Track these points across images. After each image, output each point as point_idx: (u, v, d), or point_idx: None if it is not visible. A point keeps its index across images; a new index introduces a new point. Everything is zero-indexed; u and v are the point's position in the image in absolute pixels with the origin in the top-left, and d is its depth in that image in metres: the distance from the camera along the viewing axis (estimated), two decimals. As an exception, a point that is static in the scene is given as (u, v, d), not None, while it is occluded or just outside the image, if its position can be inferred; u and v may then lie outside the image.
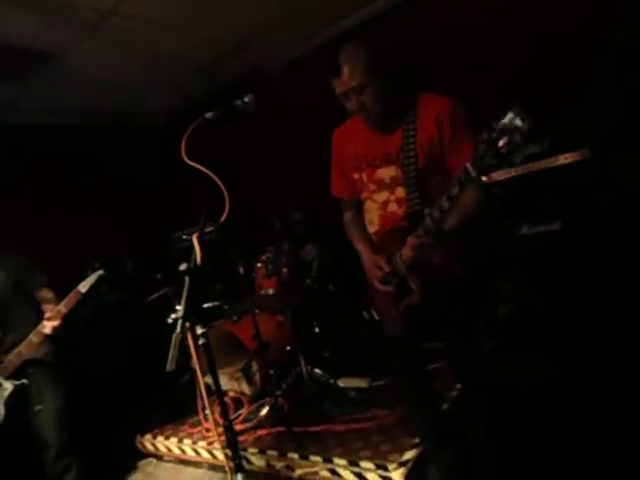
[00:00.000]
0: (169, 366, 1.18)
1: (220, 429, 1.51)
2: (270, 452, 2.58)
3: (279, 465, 2.51)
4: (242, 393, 3.21)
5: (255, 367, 3.12)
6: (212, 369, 1.33)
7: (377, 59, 1.64)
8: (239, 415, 2.98)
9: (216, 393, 1.42)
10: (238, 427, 2.82)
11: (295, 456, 2.48)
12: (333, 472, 2.32)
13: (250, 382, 3.20)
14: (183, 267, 1.29)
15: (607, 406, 2.10)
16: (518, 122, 1.23)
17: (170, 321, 1.23)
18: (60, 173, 4.31)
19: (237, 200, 1.58)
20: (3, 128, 3.94)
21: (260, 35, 3.60)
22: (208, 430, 2.96)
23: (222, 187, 1.46)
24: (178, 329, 1.21)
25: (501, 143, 1.25)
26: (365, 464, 2.23)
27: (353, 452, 2.35)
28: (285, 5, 3.25)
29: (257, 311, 3.24)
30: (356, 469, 2.25)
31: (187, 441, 2.96)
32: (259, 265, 3.46)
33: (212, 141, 1.62)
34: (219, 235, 2.64)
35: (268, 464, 2.55)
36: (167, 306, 3.34)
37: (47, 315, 2.37)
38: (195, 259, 1.32)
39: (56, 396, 2.50)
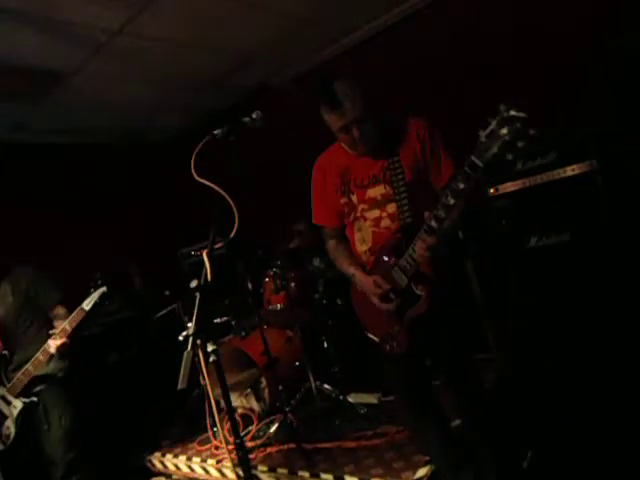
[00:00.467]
0: (180, 384, 1.17)
1: (230, 446, 1.50)
2: (280, 470, 2.55)
3: (289, 483, 2.48)
4: (251, 409, 3.18)
5: (264, 383, 3.10)
6: (223, 386, 1.32)
7: (370, 93, 1.72)
8: (248, 432, 2.95)
9: (227, 410, 1.41)
10: (247, 444, 2.80)
11: (306, 474, 2.45)
12: (345, 490, 2.28)
13: (259, 398, 3.17)
14: (194, 284, 1.29)
15: (617, 421, 2.06)
16: (514, 112, 1.29)
17: (181, 339, 1.23)
18: (71, 191, 4.36)
19: (245, 215, 1.59)
20: (16, 147, 4.00)
21: (265, 50, 3.65)
22: (217, 448, 2.93)
23: (231, 203, 1.46)
24: (189, 347, 1.20)
25: (503, 131, 1.30)
26: (377, 482, 2.19)
27: (365, 470, 2.31)
28: (290, 20, 3.30)
29: (265, 326, 3.23)
30: (368, 487, 2.21)
31: (196, 459, 2.93)
32: (267, 280, 3.45)
33: (220, 157, 1.62)
34: (227, 251, 2.65)
35: (278, 482, 2.52)
36: (176, 322, 3.36)
37: (52, 333, 2.38)
38: (205, 275, 1.32)
39: (64, 415, 2.49)
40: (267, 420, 3.00)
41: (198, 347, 1.23)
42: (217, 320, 3.49)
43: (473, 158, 1.38)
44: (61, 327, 2.37)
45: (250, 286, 3.09)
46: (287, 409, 2.89)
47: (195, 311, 1.25)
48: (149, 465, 3.20)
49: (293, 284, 3.33)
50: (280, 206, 3.97)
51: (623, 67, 2.84)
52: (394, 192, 1.77)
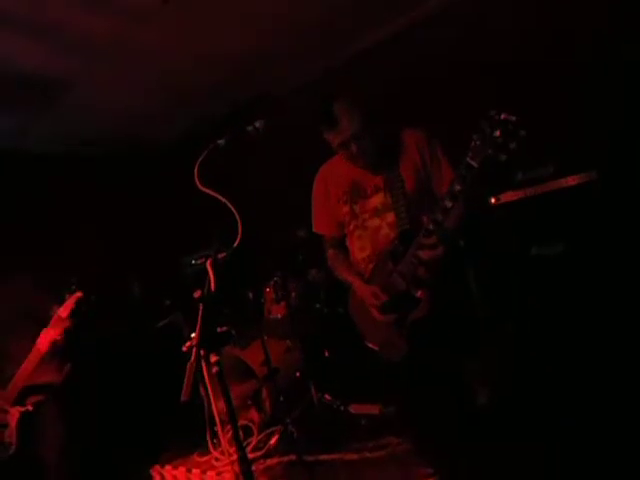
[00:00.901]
0: (183, 396, 1.16)
1: (232, 458, 1.48)
2: (281, 482, 2.52)
3: (290, 496, 2.45)
4: (251, 421, 3.15)
5: (264, 394, 3.08)
6: (226, 397, 1.31)
7: (368, 108, 1.78)
8: (249, 443, 2.92)
9: (229, 422, 1.39)
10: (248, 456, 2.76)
11: (307, 486, 2.42)
12: (346, 503, 2.26)
13: (259, 409, 3.14)
14: (197, 294, 1.28)
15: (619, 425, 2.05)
16: (505, 116, 1.37)
17: (184, 349, 1.22)
18: (71, 199, 4.35)
19: (247, 224, 1.59)
20: (18, 155, 4.00)
21: (268, 59, 3.67)
22: (217, 459, 2.90)
23: (235, 212, 1.46)
24: (192, 358, 1.19)
25: (497, 133, 1.37)
26: (379, 495, 2.17)
27: (366, 482, 2.29)
28: (291, 30, 3.32)
29: (266, 337, 3.21)
30: (370, 500, 2.19)
31: (196, 471, 2.90)
32: (268, 290, 3.44)
33: (223, 166, 1.63)
34: (228, 260, 2.63)
35: (279, 495, 2.49)
36: (176, 332, 3.33)
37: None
38: (209, 285, 1.31)
39: (63, 427, 2.47)
40: (268, 431, 2.98)
41: (201, 358, 1.22)
42: (218, 330, 3.46)
43: (468, 159, 1.45)
44: (41, 335, 2.37)
45: (251, 296, 3.08)
46: (288, 420, 2.86)
47: (199, 322, 1.25)
48: (148, 477, 3.16)
49: (294, 294, 3.32)
50: (282, 214, 3.97)
51: (623, 77, 2.86)
52: (393, 201, 1.81)
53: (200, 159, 1.59)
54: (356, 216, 1.92)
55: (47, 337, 2.37)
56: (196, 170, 1.53)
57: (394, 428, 2.62)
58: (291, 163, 3.95)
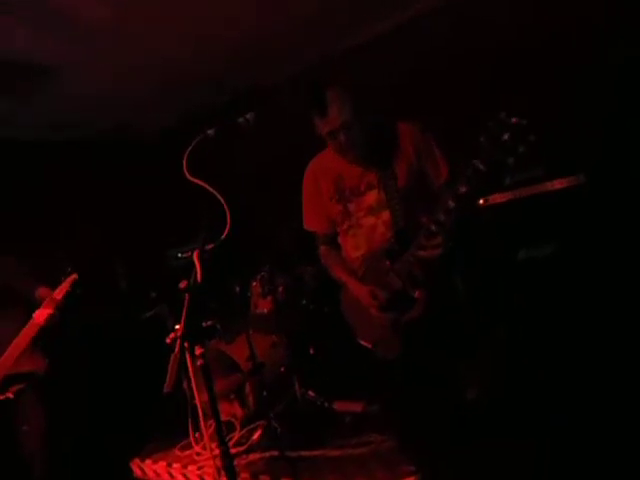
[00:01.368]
0: (166, 388, 1.14)
1: (213, 453, 1.46)
2: (262, 477, 2.51)
3: (272, 491, 2.44)
4: (234, 415, 3.13)
5: (248, 388, 3.05)
6: (210, 391, 1.29)
7: (359, 97, 1.74)
8: (231, 438, 2.90)
9: (212, 416, 1.37)
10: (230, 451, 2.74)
11: (289, 482, 2.41)
12: (328, 499, 2.25)
13: (243, 404, 3.12)
14: (182, 285, 1.26)
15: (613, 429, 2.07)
16: (515, 119, 1.34)
17: (168, 341, 1.19)
18: (57, 188, 4.28)
19: (235, 216, 1.57)
20: (3, 142, 3.93)
21: (260, 49, 3.63)
22: (199, 454, 2.87)
23: (223, 203, 1.44)
24: (176, 349, 1.17)
25: (505, 137, 1.34)
26: (361, 491, 2.17)
27: (348, 478, 2.28)
28: (285, 19, 3.28)
29: (251, 331, 3.19)
30: (352, 496, 2.18)
31: (176, 465, 2.87)
32: (255, 284, 3.41)
33: (213, 157, 1.60)
34: (216, 252, 2.61)
35: (260, 490, 2.47)
36: (162, 324, 3.29)
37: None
38: (195, 277, 1.29)
39: (44, 416, 2.43)
40: (250, 426, 2.96)
41: (185, 350, 1.20)
42: (203, 323, 3.44)
43: (476, 162, 1.40)
44: (32, 319, 2.32)
45: (237, 289, 3.05)
46: (271, 415, 2.85)
47: (184, 313, 1.22)
48: (129, 470, 3.12)
49: (281, 289, 3.30)
50: (272, 207, 3.95)
51: (614, 79, 2.88)
52: (388, 199, 1.77)
53: (189, 149, 1.56)
54: (350, 214, 1.87)
55: (39, 319, 2.31)
56: (185, 160, 1.50)
57: (378, 425, 2.62)
58: (282, 155, 3.92)
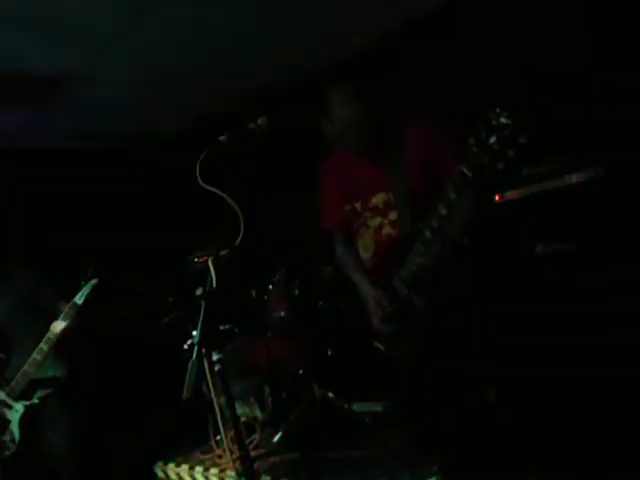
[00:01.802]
0: (185, 394, 1.15)
1: (234, 456, 1.48)
2: (283, 480, 2.52)
3: (293, 494, 2.45)
4: (254, 418, 3.14)
5: (267, 391, 3.07)
6: (228, 395, 1.30)
7: (365, 96, 1.71)
8: (251, 441, 2.91)
9: (231, 420, 1.39)
10: (250, 454, 2.76)
11: (310, 484, 2.42)
12: (350, 501, 2.25)
13: (262, 407, 3.14)
14: (199, 292, 1.27)
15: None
16: (504, 119, 1.27)
17: (186, 347, 1.21)
18: (72, 196, 4.35)
19: (251, 222, 1.57)
20: (17, 152, 4.01)
21: (271, 54, 3.64)
22: (220, 457, 2.89)
23: (237, 209, 1.44)
24: (194, 356, 1.19)
25: (492, 140, 1.29)
26: (383, 492, 2.16)
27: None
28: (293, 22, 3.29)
29: (269, 334, 3.21)
30: (374, 497, 2.18)
31: (198, 468, 2.90)
32: (271, 287, 3.43)
33: (226, 163, 1.61)
34: (232, 257, 2.62)
35: (282, 493, 2.48)
36: (180, 329, 3.31)
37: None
38: (211, 283, 1.30)
39: (69, 422, 2.47)
40: (270, 429, 2.97)
41: (203, 356, 1.21)
42: (221, 327, 3.46)
43: (462, 168, 1.37)
44: (54, 324, 2.34)
45: (254, 293, 3.07)
46: (291, 418, 2.86)
47: (200, 319, 1.24)
48: (152, 474, 3.16)
49: (297, 291, 3.30)
50: (288, 212, 3.97)
51: (629, 72, 2.83)
52: (395, 199, 1.74)
53: (202, 156, 1.57)
54: (358, 214, 1.85)
55: (59, 326, 2.34)
56: (198, 167, 1.52)
57: (398, 426, 2.61)
58: (297, 157, 3.94)
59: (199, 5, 2.79)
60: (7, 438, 2.39)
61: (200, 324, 1.22)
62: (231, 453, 2.45)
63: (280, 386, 2.99)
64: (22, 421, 2.38)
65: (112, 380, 3.53)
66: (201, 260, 3.62)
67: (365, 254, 1.89)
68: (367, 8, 3.31)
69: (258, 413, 3.15)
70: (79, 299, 2.35)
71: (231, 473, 2.66)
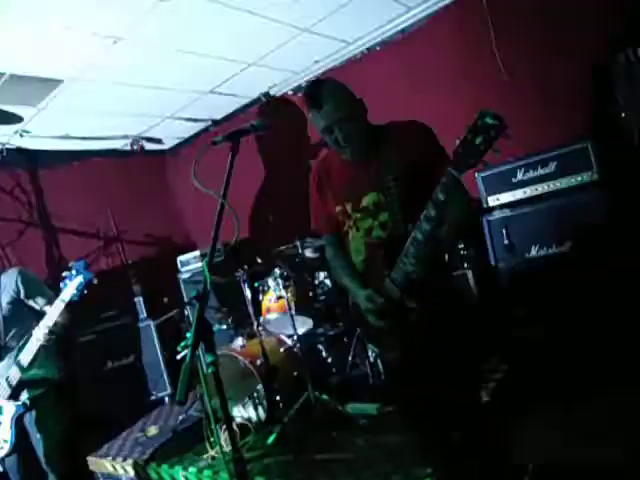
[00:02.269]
0: (179, 396, 1.15)
1: (227, 458, 1.47)
2: (277, 481, 2.51)
3: (287, 495, 2.44)
4: (249, 419, 3.14)
5: (262, 393, 3.06)
6: (221, 397, 1.30)
7: (355, 95, 1.71)
8: (246, 443, 2.91)
9: (225, 421, 1.38)
10: (245, 455, 2.75)
11: (304, 486, 2.41)
12: (343, 503, 2.25)
13: (257, 408, 3.13)
14: (193, 293, 1.26)
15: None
16: (489, 120, 1.28)
17: (180, 349, 1.20)
18: (69, 197, 4.34)
19: (246, 223, 1.57)
20: (15, 152, 4.00)
21: (267, 59, 3.65)
22: (214, 458, 2.89)
23: (233, 211, 1.44)
24: (187, 358, 1.18)
25: (478, 141, 1.30)
26: (376, 494, 2.16)
27: (364, 481, 2.28)
28: (292, 29, 3.30)
29: (264, 336, 3.20)
30: (367, 499, 2.18)
31: (192, 469, 2.89)
32: (266, 288, 3.43)
33: (222, 164, 1.61)
34: (227, 258, 2.63)
35: (276, 494, 2.48)
36: (176, 329, 3.32)
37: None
38: (205, 285, 1.30)
39: (60, 422, 2.45)
40: (265, 430, 2.97)
41: (197, 358, 1.21)
42: (216, 329, 3.46)
43: (450, 169, 1.38)
44: (42, 322, 2.31)
45: (249, 294, 3.07)
46: (285, 419, 2.86)
47: (194, 321, 1.23)
48: (144, 475, 3.15)
49: (292, 293, 3.30)
50: (281, 212, 3.97)
51: (623, 77, 2.84)
52: (386, 200, 1.72)
53: (197, 157, 1.56)
54: (349, 216, 1.83)
55: (37, 335, 2.31)
56: (193, 168, 1.51)
57: (392, 427, 2.61)
58: (291, 159, 3.95)
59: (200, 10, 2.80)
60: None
61: (194, 326, 1.22)
62: (225, 455, 2.44)
63: (275, 388, 2.98)
64: (14, 422, 2.35)
65: (105, 379, 3.52)
66: (197, 262, 3.61)
67: (357, 257, 1.87)
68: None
69: (252, 414, 3.15)
70: (65, 296, 2.29)
71: (224, 475, 2.66)
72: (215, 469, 2.79)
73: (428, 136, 1.74)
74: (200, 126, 4.61)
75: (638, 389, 2.23)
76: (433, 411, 1.89)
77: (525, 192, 2.99)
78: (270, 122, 1.69)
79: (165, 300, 3.60)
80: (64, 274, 2.32)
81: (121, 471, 3.19)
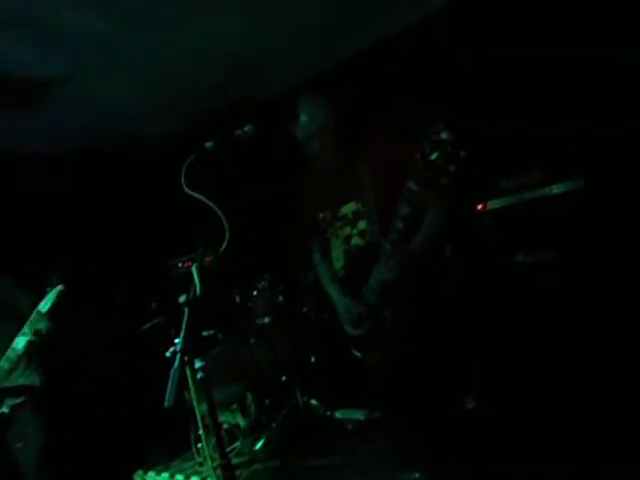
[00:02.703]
0: (167, 402, 1.14)
1: (215, 464, 1.47)
2: (265, 488, 2.50)
3: (275, 501, 2.43)
4: (236, 425, 3.12)
5: (250, 398, 3.05)
6: (210, 403, 1.30)
7: (334, 106, 1.71)
8: (234, 448, 2.89)
9: (213, 427, 1.38)
10: (232, 461, 2.74)
11: (291, 492, 2.41)
12: (331, 508, 2.25)
13: (244, 414, 3.12)
14: (182, 299, 1.26)
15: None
16: (444, 135, 1.27)
17: (168, 355, 1.20)
18: (53, 200, 4.29)
19: (234, 228, 1.57)
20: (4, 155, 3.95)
21: (261, 61, 3.65)
22: (201, 465, 2.86)
23: (221, 216, 1.44)
24: (176, 363, 1.18)
25: (434, 157, 1.29)
26: (364, 500, 2.16)
27: (351, 487, 2.28)
28: (283, 33, 3.31)
29: (252, 340, 3.19)
30: (355, 505, 2.18)
31: (179, 477, 2.86)
32: (255, 293, 3.42)
33: (211, 169, 1.61)
34: (216, 263, 2.61)
35: (263, 500, 2.47)
36: (162, 335, 3.27)
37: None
38: (194, 290, 1.30)
39: (41, 431, 2.41)
40: (253, 436, 2.95)
41: (186, 363, 1.21)
42: (204, 333, 3.44)
43: (409, 183, 1.39)
44: (22, 330, 2.29)
45: (238, 299, 3.06)
46: (273, 425, 2.85)
47: (183, 327, 1.23)
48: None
49: (281, 297, 3.30)
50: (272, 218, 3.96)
51: (613, 82, 2.89)
52: (364, 209, 1.74)
53: (187, 162, 1.56)
54: (329, 224, 1.85)
55: (24, 335, 2.29)
56: (183, 173, 1.51)
57: (380, 433, 2.61)
58: (282, 166, 3.94)
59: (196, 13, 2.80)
60: None
61: (183, 331, 1.21)
62: (212, 461, 2.43)
63: (263, 393, 2.97)
64: None
65: (90, 387, 3.47)
66: (185, 265, 3.60)
67: (337, 264, 1.90)
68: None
69: (240, 420, 3.13)
70: (44, 307, 2.29)
71: (213, 481, 2.64)
72: (203, 475, 2.77)
73: (400, 150, 1.74)
74: (190, 128, 4.60)
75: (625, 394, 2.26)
76: (420, 417, 1.91)
77: (511, 199, 3.02)
78: (262, 128, 1.70)
79: (153, 305, 3.57)
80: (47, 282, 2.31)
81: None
